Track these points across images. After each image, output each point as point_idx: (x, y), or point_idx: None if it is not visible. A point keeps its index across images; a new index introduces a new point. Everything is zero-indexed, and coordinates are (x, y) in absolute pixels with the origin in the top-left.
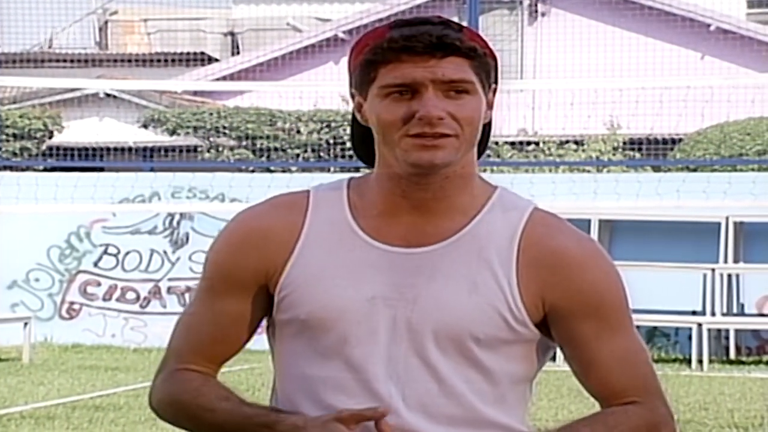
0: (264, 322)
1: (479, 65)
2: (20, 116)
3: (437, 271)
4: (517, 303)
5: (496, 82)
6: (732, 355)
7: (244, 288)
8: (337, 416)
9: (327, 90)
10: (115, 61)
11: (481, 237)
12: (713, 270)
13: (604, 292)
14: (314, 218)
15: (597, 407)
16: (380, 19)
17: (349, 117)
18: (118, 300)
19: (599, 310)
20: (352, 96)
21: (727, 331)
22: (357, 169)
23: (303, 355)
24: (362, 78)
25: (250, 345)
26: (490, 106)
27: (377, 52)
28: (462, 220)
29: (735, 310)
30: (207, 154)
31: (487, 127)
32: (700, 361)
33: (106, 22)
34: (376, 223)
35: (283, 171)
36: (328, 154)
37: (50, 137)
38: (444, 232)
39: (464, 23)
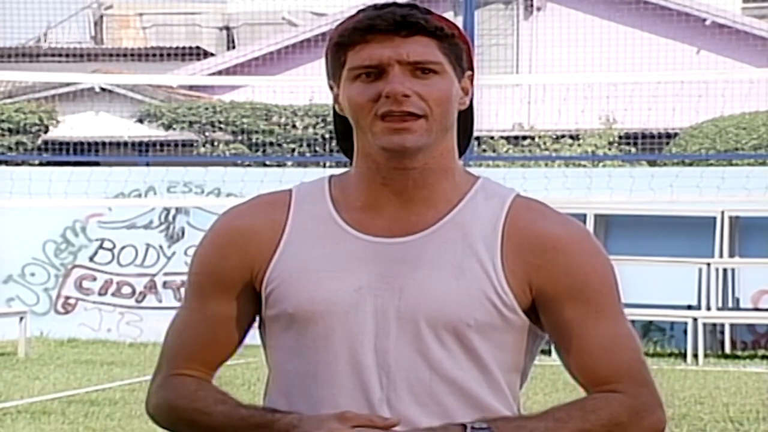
0: (256, 322)
1: (448, 47)
2: (15, 111)
3: (422, 260)
4: (504, 288)
5: (471, 69)
6: (727, 349)
7: (232, 288)
8: (339, 415)
9: (322, 84)
10: (111, 55)
11: (464, 224)
12: (708, 264)
13: (590, 274)
14: (297, 214)
15: None
16: None
17: None
18: (113, 294)
19: (585, 293)
20: (331, 88)
21: (723, 325)
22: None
23: (293, 350)
24: (334, 63)
25: (245, 339)
26: (466, 92)
27: (344, 35)
28: (445, 208)
29: (730, 305)
30: (202, 149)
31: (469, 118)
32: (696, 356)
33: (101, 17)
34: (360, 215)
35: (279, 165)
36: (324, 149)
37: (45, 132)
38: (427, 220)
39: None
